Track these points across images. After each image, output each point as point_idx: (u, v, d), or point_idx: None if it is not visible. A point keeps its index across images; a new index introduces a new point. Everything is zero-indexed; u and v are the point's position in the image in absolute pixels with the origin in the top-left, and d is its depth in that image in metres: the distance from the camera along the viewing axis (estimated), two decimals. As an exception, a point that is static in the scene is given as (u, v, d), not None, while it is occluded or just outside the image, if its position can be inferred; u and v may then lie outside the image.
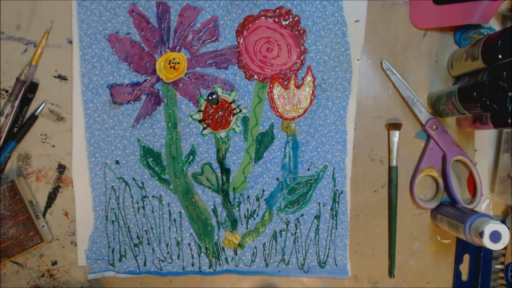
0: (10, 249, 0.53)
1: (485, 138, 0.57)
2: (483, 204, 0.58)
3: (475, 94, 0.46)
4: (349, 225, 0.57)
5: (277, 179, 0.56)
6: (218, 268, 0.57)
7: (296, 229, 0.57)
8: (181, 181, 0.56)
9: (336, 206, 0.57)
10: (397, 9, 0.56)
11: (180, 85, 0.54)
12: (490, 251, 0.56)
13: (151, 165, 0.55)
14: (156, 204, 0.56)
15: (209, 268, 0.57)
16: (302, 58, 0.55)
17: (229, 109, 0.55)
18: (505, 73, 0.46)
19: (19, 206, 0.53)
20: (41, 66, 0.54)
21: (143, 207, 0.56)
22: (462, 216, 0.51)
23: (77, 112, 0.54)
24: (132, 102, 0.54)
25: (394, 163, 0.56)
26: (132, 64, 0.54)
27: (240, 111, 0.55)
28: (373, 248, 0.58)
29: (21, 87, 0.53)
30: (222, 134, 0.55)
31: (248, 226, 0.57)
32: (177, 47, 0.54)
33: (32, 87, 0.54)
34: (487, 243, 0.48)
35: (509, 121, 0.47)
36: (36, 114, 0.54)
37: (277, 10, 0.54)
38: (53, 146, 0.55)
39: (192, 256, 0.57)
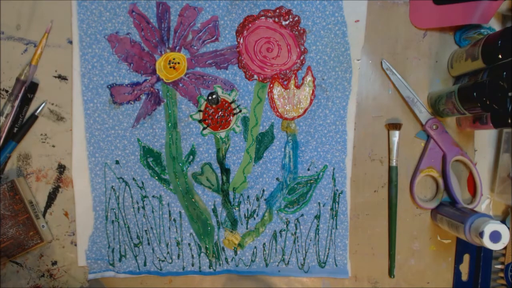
0: (10, 249, 0.53)
1: (485, 138, 0.57)
2: (483, 204, 0.58)
3: (475, 94, 0.46)
4: (349, 225, 0.57)
5: (277, 179, 0.56)
6: (218, 268, 0.57)
7: (296, 229, 0.57)
8: (181, 181, 0.56)
9: (336, 206, 0.57)
10: (397, 9, 0.56)
11: (180, 85, 0.54)
12: (490, 251, 0.56)
13: (151, 165, 0.55)
14: (156, 204, 0.56)
15: (209, 268, 0.57)
16: (302, 58, 0.55)
17: (229, 109, 0.55)
18: (505, 73, 0.46)
19: (19, 206, 0.53)
20: (41, 66, 0.54)
21: (143, 207, 0.56)
22: (462, 216, 0.51)
23: (77, 112, 0.54)
24: (132, 102, 0.54)
25: (394, 163, 0.56)
26: (132, 64, 0.54)
27: (240, 111, 0.55)
28: (373, 248, 0.58)
29: (21, 87, 0.53)
30: (222, 134, 0.55)
31: (248, 226, 0.57)
32: (177, 47, 0.54)
33: (32, 87, 0.54)
34: (487, 243, 0.48)
35: (509, 121, 0.47)
36: (36, 114, 0.54)
37: (277, 10, 0.54)
38: (53, 146, 0.55)
39: (192, 256, 0.57)
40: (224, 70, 0.54)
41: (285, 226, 0.57)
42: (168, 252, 0.56)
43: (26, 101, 0.53)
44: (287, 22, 0.54)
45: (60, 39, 0.54)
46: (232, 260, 0.57)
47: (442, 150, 0.56)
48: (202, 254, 0.57)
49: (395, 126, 0.56)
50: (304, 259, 0.57)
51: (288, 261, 0.57)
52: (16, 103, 0.53)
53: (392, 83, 0.56)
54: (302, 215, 0.57)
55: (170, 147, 0.55)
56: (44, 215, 0.55)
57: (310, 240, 0.57)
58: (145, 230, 0.56)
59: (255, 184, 0.56)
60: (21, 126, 0.54)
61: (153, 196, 0.56)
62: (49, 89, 0.54)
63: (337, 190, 0.56)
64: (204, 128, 0.55)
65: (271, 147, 0.56)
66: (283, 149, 0.56)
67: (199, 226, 0.56)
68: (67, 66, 0.54)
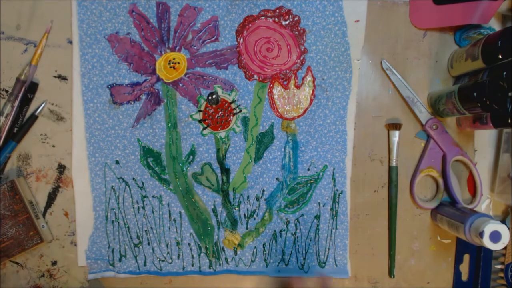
0: (10, 249, 0.53)
1: (485, 138, 0.57)
2: (483, 204, 0.58)
3: (475, 94, 0.46)
4: (349, 225, 0.57)
5: (277, 179, 0.56)
6: (218, 268, 0.57)
7: (296, 229, 0.57)
8: (181, 181, 0.56)
9: (336, 206, 0.57)
10: (397, 9, 0.56)
11: (180, 85, 0.54)
12: (490, 251, 0.56)
13: (151, 165, 0.55)
14: (156, 204, 0.56)
15: (209, 268, 0.57)
16: (302, 58, 0.55)
17: (229, 109, 0.55)
18: (505, 73, 0.46)
19: (19, 206, 0.53)
20: (41, 66, 0.54)
21: (143, 207, 0.56)
22: (462, 216, 0.51)
23: (77, 112, 0.54)
24: (132, 102, 0.54)
25: (394, 163, 0.56)
26: (132, 64, 0.54)
27: (240, 111, 0.55)
28: (373, 248, 0.58)
29: (21, 87, 0.53)
30: (222, 134, 0.55)
31: (248, 226, 0.57)
32: (177, 47, 0.54)
33: (32, 87, 0.54)
34: (487, 243, 0.48)
35: (509, 121, 0.47)
36: (36, 114, 0.54)
37: (277, 10, 0.54)
38: (53, 146, 0.55)
39: (192, 256, 0.57)
40: (224, 70, 0.54)
41: (285, 226, 0.57)
42: (168, 252, 0.56)
43: (26, 101, 0.53)
44: (287, 22, 0.54)
45: (60, 39, 0.54)
46: (232, 260, 0.57)
47: (442, 150, 0.56)
48: (202, 254, 0.57)
49: (395, 126, 0.56)
50: (304, 259, 0.57)
51: (288, 261, 0.57)
52: (16, 103, 0.53)
53: (392, 83, 0.56)
54: (302, 215, 0.57)
55: (170, 147, 0.55)
56: (44, 215, 0.55)
57: (310, 240, 0.57)
58: (145, 230, 0.56)
59: (255, 184, 0.56)
60: (21, 126, 0.54)
61: (153, 196, 0.56)
62: (49, 89, 0.54)
63: (337, 190, 0.56)
64: (204, 128, 0.55)
65: (271, 147, 0.56)
66: (283, 149, 0.56)
67: (199, 226, 0.56)
68: (67, 66, 0.54)
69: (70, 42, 0.53)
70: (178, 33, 0.54)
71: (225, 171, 0.56)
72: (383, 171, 0.57)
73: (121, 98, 0.54)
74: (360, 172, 0.57)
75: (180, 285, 0.57)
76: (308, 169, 0.56)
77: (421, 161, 0.56)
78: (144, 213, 0.56)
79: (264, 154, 0.56)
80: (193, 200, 0.56)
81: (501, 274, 0.57)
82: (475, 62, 0.49)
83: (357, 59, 0.55)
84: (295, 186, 0.56)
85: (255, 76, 0.55)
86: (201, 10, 0.53)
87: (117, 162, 0.55)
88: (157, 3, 0.53)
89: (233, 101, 0.55)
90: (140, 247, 0.56)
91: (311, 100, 0.55)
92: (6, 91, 0.54)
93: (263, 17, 0.54)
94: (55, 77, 0.54)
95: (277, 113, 0.55)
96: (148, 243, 0.56)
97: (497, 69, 0.48)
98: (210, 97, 0.55)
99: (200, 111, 0.55)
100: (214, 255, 0.57)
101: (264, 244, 0.57)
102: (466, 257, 0.58)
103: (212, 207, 0.56)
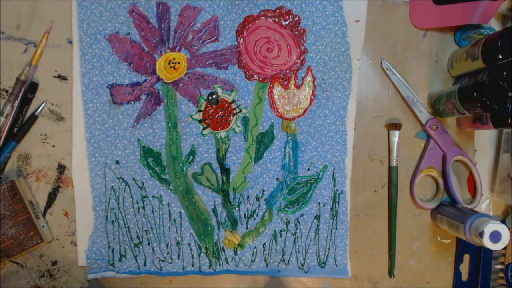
0: (10, 249, 0.53)
1: (485, 138, 0.57)
2: (483, 204, 0.58)
3: (475, 94, 0.46)
4: (349, 225, 0.57)
5: (277, 179, 0.56)
6: (218, 268, 0.57)
7: (296, 229, 0.57)
8: (181, 181, 0.56)
9: (336, 206, 0.57)
10: (397, 9, 0.56)
11: (180, 85, 0.54)
12: (490, 251, 0.56)
13: (151, 165, 0.55)
14: (156, 204, 0.56)
15: (209, 268, 0.57)
16: (302, 58, 0.55)
17: (229, 109, 0.55)
18: (505, 73, 0.46)
19: (19, 206, 0.53)
20: (41, 66, 0.54)
21: (143, 207, 0.56)
22: (462, 216, 0.51)
23: (77, 112, 0.54)
24: (132, 102, 0.54)
25: (394, 163, 0.56)
26: (132, 64, 0.54)
27: (240, 111, 0.55)
28: (373, 248, 0.58)
29: (21, 87, 0.53)
30: (222, 134, 0.55)
31: (248, 226, 0.57)
32: (177, 47, 0.54)
33: (32, 87, 0.54)
34: (487, 243, 0.48)
35: (509, 121, 0.47)
36: (36, 114, 0.54)
37: (277, 10, 0.54)
38: (53, 146, 0.55)
39: (192, 256, 0.57)
40: (224, 70, 0.54)
41: (285, 226, 0.57)
42: (168, 252, 0.56)
43: (26, 101, 0.53)
44: (287, 22, 0.54)
45: (60, 39, 0.54)
46: (232, 260, 0.57)
47: (442, 150, 0.56)
48: (202, 254, 0.57)
49: (395, 126, 0.56)
50: (304, 259, 0.57)
51: (288, 261, 0.57)
52: (16, 103, 0.53)
53: (392, 83, 0.56)
54: (302, 215, 0.57)
55: (170, 147, 0.55)
56: (44, 215, 0.55)
57: (310, 240, 0.57)
58: (145, 230, 0.56)
59: (255, 184, 0.56)
60: (21, 126, 0.54)
61: (153, 196, 0.56)
62: (49, 89, 0.54)
63: (337, 190, 0.56)
64: (204, 128, 0.55)
65: (271, 147, 0.56)
66: (283, 149, 0.56)
67: (199, 226, 0.56)
68: (67, 66, 0.54)
69: (70, 42, 0.53)
70: (178, 33, 0.54)
71: (225, 171, 0.56)
72: (383, 171, 0.57)
73: (121, 98, 0.54)
74: (360, 172, 0.57)
75: (180, 285, 0.57)
76: (308, 169, 0.56)
77: (421, 161, 0.56)
78: (144, 213, 0.56)
79: (264, 154, 0.56)
80: (193, 200, 0.56)
81: (501, 274, 0.57)
82: (475, 62, 0.49)
83: (357, 59, 0.55)
84: (295, 186, 0.56)
85: (255, 76, 0.55)
86: (201, 10, 0.53)
87: (117, 162, 0.55)
88: (157, 3, 0.53)
89: (233, 101, 0.55)
90: (140, 247, 0.56)
91: (311, 100, 0.55)
92: (6, 91, 0.54)
93: (263, 17, 0.54)
94: (55, 77, 0.54)
95: (277, 113, 0.55)
96: (148, 243, 0.56)
97: (497, 69, 0.48)
98: (210, 97, 0.55)
99: (200, 111, 0.55)
100: (214, 255, 0.57)
101: (264, 244, 0.57)
102: (466, 257, 0.58)
103: (212, 207, 0.56)
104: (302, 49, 0.55)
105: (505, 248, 0.56)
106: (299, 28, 0.54)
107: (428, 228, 0.58)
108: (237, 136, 0.55)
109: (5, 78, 0.54)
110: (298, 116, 0.55)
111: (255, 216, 0.57)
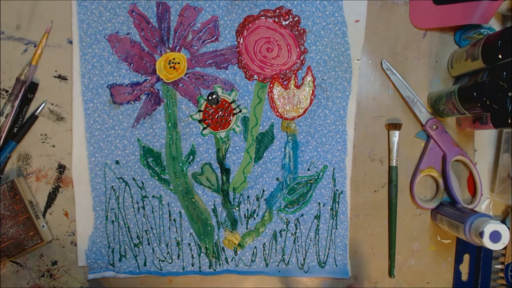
0: (10, 249, 0.53)
1: (485, 138, 0.57)
2: (483, 204, 0.58)
3: (475, 94, 0.46)
4: (349, 225, 0.57)
5: (277, 179, 0.56)
6: (218, 268, 0.57)
7: (296, 229, 0.57)
8: (181, 181, 0.56)
9: (336, 206, 0.57)
10: (397, 9, 0.56)
11: (180, 85, 0.54)
12: (490, 251, 0.56)
13: (151, 165, 0.55)
14: (156, 204, 0.56)
15: (209, 268, 0.57)
16: (302, 58, 0.55)
17: (229, 109, 0.55)
18: (505, 73, 0.46)
19: (19, 206, 0.53)
20: (41, 66, 0.54)
21: (143, 207, 0.56)
22: (462, 216, 0.51)
23: (77, 112, 0.54)
24: (132, 102, 0.54)
25: (394, 163, 0.56)
26: (132, 64, 0.54)
27: (240, 111, 0.55)
28: (373, 248, 0.58)
29: (21, 87, 0.53)
30: (222, 134, 0.55)
31: (248, 226, 0.57)
32: (177, 47, 0.54)
33: (32, 87, 0.54)
34: (487, 243, 0.48)
35: (509, 121, 0.47)
36: (36, 114, 0.54)
37: (277, 10, 0.54)
38: (53, 146, 0.55)
39: (192, 256, 0.57)
40: (224, 70, 0.54)
41: (285, 226, 0.57)
42: (168, 252, 0.56)
43: (26, 101, 0.53)
44: (287, 22, 0.54)
45: (60, 39, 0.54)
46: (232, 260, 0.57)
47: (442, 150, 0.56)
48: (202, 254, 0.57)
49: (395, 126, 0.56)
50: (304, 259, 0.57)
51: (288, 261, 0.57)
52: (16, 103, 0.53)
53: (392, 83, 0.56)
54: (302, 215, 0.57)
55: (170, 147, 0.55)
56: (44, 215, 0.55)
57: (310, 240, 0.57)
58: (145, 230, 0.56)
59: (255, 184, 0.56)
60: (21, 126, 0.54)
61: (153, 196, 0.56)
62: (49, 89, 0.54)
63: (337, 190, 0.56)
64: (204, 128, 0.55)
65: (271, 147, 0.56)
66: (283, 149, 0.56)
67: (199, 226, 0.56)
68: (67, 66, 0.54)
69: (70, 42, 0.53)
70: (178, 33, 0.54)
71: (225, 171, 0.56)
72: (383, 171, 0.57)
73: (121, 98, 0.54)
74: (360, 172, 0.57)
75: (180, 285, 0.57)
76: (308, 169, 0.56)
77: (421, 161, 0.56)
78: (144, 213, 0.56)
79: (264, 154, 0.56)
80: (193, 200, 0.56)
81: (501, 274, 0.57)
82: (475, 62, 0.49)
83: (357, 59, 0.55)
84: (295, 186, 0.56)
85: (255, 76, 0.55)
86: (201, 10, 0.53)
87: (117, 162, 0.55)
88: (157, 3, 0.53)
89: (233, 101, 0.55)
90: (140, 247, 0.56)
91: (311, 100, 0.55)
92: (6, 91, 0.54)
93: (263, 17, 0.54)
94: (55, 77, 0.54)
95: (277, 113, 0.55)
96: (148, 243, 0.56)
97: (497, 69, 0.48)
98: (210, 97, 0.55)
99: (200, 111, 0.55)
100: (214, 255, 0.57)
101: (264, 244, 0.57)
102: (466, 257, 0.58)
103: (212, 207, 0.56)
104: (302, 49, 0.55)
105: (505, 248, 0.56)
106: (299, 28, 0.54)
107: (428, 228, 0.58)
108: (237, 136, 0.55)
109: (5, 78, 0.54)
110: (298, 116, 0.55)
111: (255, 216, 0.57)
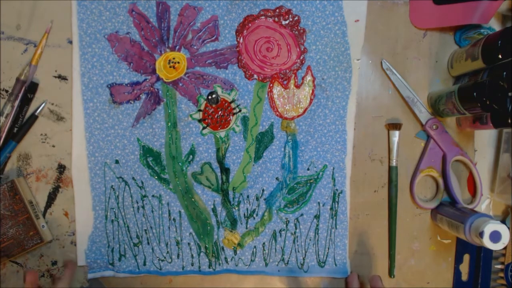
0: (10, 249, 0.53)
1: (485, 138, 0.57)
2: (483, 204, 0.58)
3: (475, 94, 0.46)
4: (349, 225, 0.57)
5: (277, 178, 0.56)
6: (217, 267, 0.57)
7: (296, 228, 0.57)
8: (180, 181, 0.56)
9: (336, 205, 0.57)
10: (397, 9, 0.56)
11: (180, 84, 0.54)
12: (490, 251, 0.56)
13: (151, 164, 0.55)
14: (156, 203, 0.56)
15: (209, 267, 0.57)
16: (302, 57, 0.55)
17: (229, 108, 0.55)
18: (505, 73, 0.46)
19: (19, 206, 0.53)
20: (41, 66, 0.54)
21: (143, 207, 0.56)
22: (462, 216, 0.51)
23: (77, 112, 0.54)
24: (132, 102, 0.54)
25: (394, 163, 0.56)
26: (132, 64, 0.54)
27: (240, 110, 0.55)
28: (373, 248, 0.58)
29: (21, 87, 0.53)
30: (222, 133, 0.55)
31: (248, 226, 0.57)
32: (177, 47, 0.54)
33: (32, 87, 0.54)
34: (487, 243, 0.48)
35: (509, 121, 0.47)
36: (36, 114, 0.54)
37: (277, 10, 0.54)
38: (53, 146, 0.55)
39: (192, 255, 0.57)
40: (224, 69, 0.54)
41: (284, 225, 0.57)
42: (167, 252, 0.56)
43: (26, 101, 0.53)
44: (287, 22, 0.54)
45: (60, 39, 0.54)
46: (231, 259, 0.57)
47: (442, 150, 0.56)
48: (201, 254, 0.57)
49: (395, 126, 0.56)
50: (303, 259, 0.57)
51: (288, 261, 0.57)
52: (16, 103, 0.53)
53: (392, 83, 0.56)
54: (301, 214, 0.57)
55: (170, 147, 0.55)
56: (44, 215, 0.55)
57: (310, 239, 0.57)
58: (145, 230, 0.56)
59: (254, 183, 0.56)
60: (21, 126, 0.54)
61: (152, 196, 0.56)
62: (49, 89, 0.54)
63: (336, 190, 0.56)
64: (203, 128, 0.55)
65: (271, 146, 0.56)
66: (282, 149, 0.56)
67: (198, 226, 0.56)
68: (67, 66, 0.54)
69: (70, 42, 0.54)
70: (178, 32, 0.54)
71: (225, 170, 0.56)
72: (383, 171, 0.57)
73: (121, 97, 0.54)
74: (360, 172, 0.57)
75: (180, 285, 0.57)
76: (308, 169, 0.56)
77: (421, 161, 0.56)
78: (144, 212, 0.56)
79: (264, 154, 0.56)
80: (193, 199, 0.56)
81: (501, 274, 0.57)
82: (475, 62, 0.49)
83: (357, 59, 0.55)
84: (295, 185, 0.56)
85: (255, 76, 0.55)
86: (201, 9, 0.53)
87: (116, 162, 0.55)
88: (157, 2, 0.53)
89: (233, 101, 0.55)
90: (140, 246, 0.56)
91: (311, 100, 0.55)
92: (6, 91, 0.54)
93: (263, 17, 0.54)
94: (55, 77, 0.54)
95: (277, 113, 0.55)
96: (148, 243, 0.56)
97: (497, 69, 0.48)
98: (210, 97, 0.55)
99: (200, 110, 0.55)
100: (213, 254, 0.57)
101: (264, 243, 0.57)
102: (466, 257, 0.58)
103: (212, 206, 0.56)
104: (302, 49, 0.55)
105: (505, 248, 0.56)
106: (299, 28, 0.54)
107: (428, 228, 0.58)
108: (237, 135, 0.55)
109: (5, 78, 0.54)
110: (298, 116, 0.55)
111: (254, 215, 0.57)
